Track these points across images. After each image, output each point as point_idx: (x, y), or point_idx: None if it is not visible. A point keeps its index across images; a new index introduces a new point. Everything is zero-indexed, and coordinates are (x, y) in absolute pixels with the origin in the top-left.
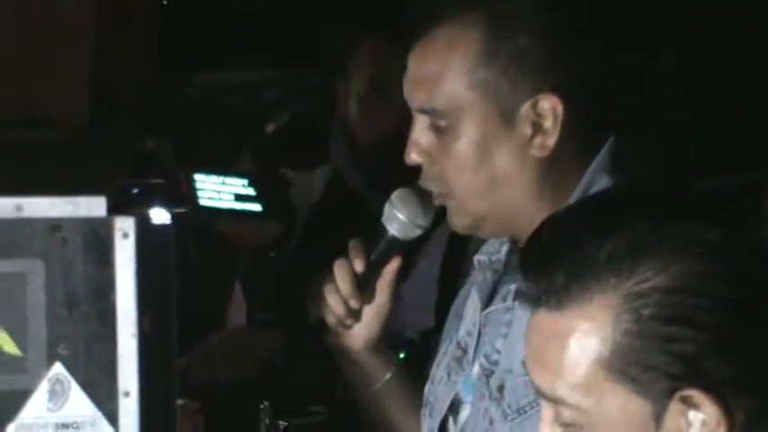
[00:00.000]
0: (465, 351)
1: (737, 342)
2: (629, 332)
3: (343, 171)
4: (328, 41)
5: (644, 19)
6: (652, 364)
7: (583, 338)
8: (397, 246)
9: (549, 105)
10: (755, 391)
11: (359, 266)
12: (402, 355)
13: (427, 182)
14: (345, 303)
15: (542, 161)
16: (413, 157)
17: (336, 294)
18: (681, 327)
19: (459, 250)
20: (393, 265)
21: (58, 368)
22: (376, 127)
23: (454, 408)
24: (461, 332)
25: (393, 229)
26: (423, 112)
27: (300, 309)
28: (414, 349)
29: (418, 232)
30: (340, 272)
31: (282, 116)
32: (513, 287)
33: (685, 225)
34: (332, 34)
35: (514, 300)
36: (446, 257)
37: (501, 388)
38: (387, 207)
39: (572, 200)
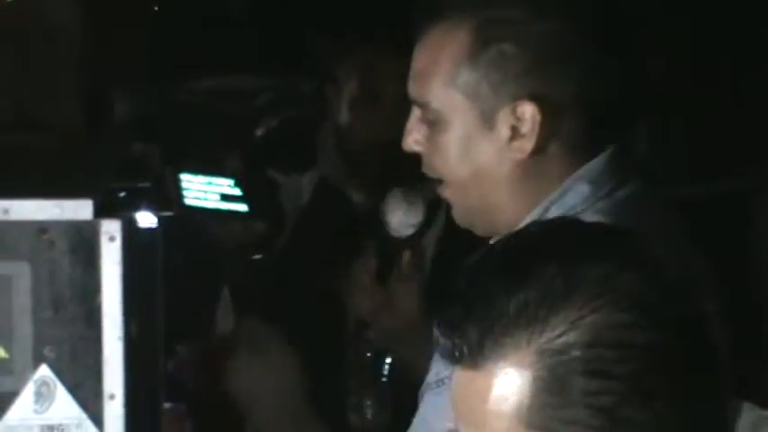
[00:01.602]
0: None
1: (657, 387)
2: (546, 388)
3: (331, 176)
4: (320, 48)
5: (635, 28)
6: (572, 418)
7: (500, 396)
8: (397, 243)
9: (528, 112)
10: None
11: (371, 264)
12: (388, 360)
13: (427, 169)
14: (370, 296)
15: (521, 163)
16: (408, 144)
17: (361, 291)
18: (598, 380)
19: (451, 253)
20: (405, 257)
21: (44, 370)
22: (367, 133)
23: None
24: None
25: (390, 230)
26: (417, 104)
27: (289, 311)
28: (399, 355)
29: (411, 230)
30: (358, 271)
31: (273, 121)
32: None
33: (594, 271)
34: (324, 41)
35: None
36: (435, 260)
37: None
38: (382, 210)
39: (546, 202)
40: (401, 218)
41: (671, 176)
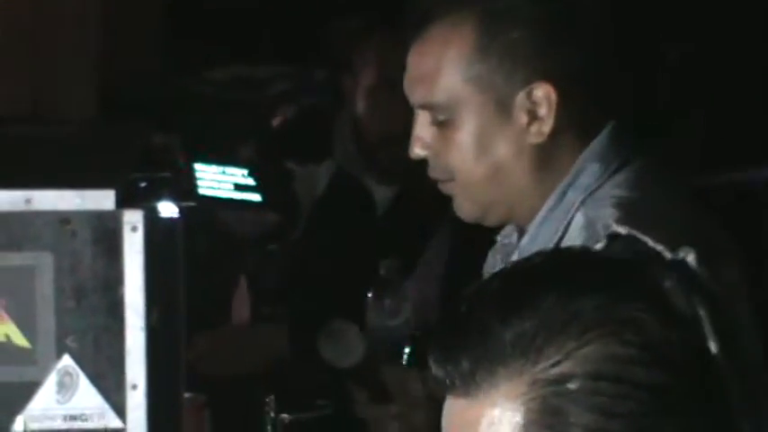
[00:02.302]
0: None
1: (656, 428)
2: (538, 421)
3: (348, 166)
4: (336, 36)
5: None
6: None
7: (492, 426)
8: None
9: (543, 93)
10: None
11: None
12: (407, 350)
13: (434, 172)
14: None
15: (540, 148)
16: (417, 151)
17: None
18: (593, 415)
19: (466, 245)
20: None
21: (66, 360)
22: (384, 122)
23: None
24: None
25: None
26: (423, 107)
27: (305, 301)
28: (418, 345)
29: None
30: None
31: (288, 110)
32: None
33: (597, 301)
34: (339, 29)
35: None
36: (452, 253)
37: None
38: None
39: (562, 187)
40: (333, 354)
41: (684, 165)
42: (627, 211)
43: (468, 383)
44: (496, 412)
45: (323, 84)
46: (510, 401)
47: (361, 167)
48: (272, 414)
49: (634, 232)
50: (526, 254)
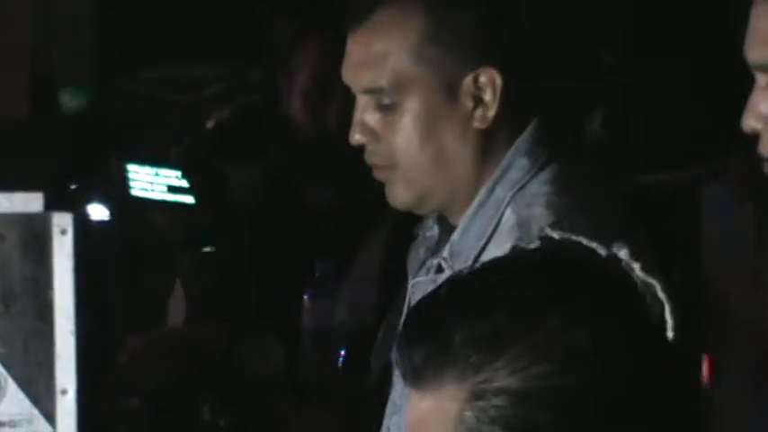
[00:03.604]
0: None
1: None
2: (472, 429)
3: (283, 167)
4: (271, 37)
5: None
6: None
7: (437, 423)
8: None
9: (488, 78)
10: None
11: None
12: (342, 352)
13: (374, 157)
14: None
15: (482, 134)
16: (357, 137)
17: None
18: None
19: (401, 246)
20: None
21: None
22: (319, 122)
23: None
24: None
25: None
26: (369, 92)
27: (244, 305)
28: (353, 347)
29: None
30: None
31: (222, 111)
32: (436, 261)
33: (552, 320)
34: (275, 30)
35: (437, 272)
36: (387, 254)
37: None
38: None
39: (491, 182)
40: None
41: (624, 164)
42: (559, 213)
43: (419, 377)
44: (444, 409)
45: (258, 84)
46: (454, 403)
47: (296, 168)
48: (208, 417)
49: (567, 235)
50: (458, 249)
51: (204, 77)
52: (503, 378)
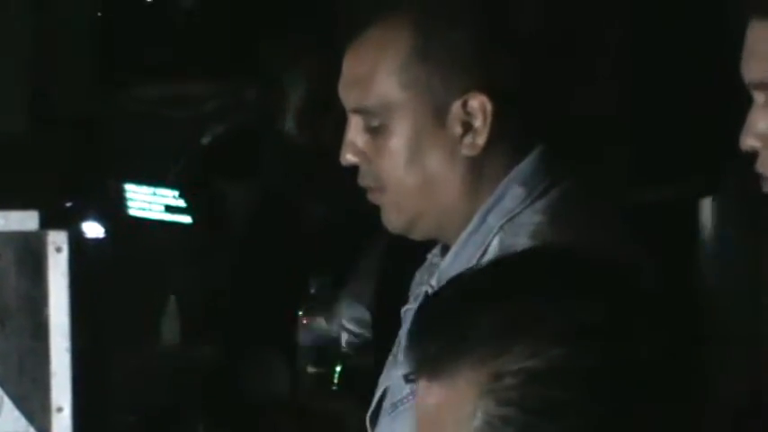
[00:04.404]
0: (398, 347)
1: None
2: (491, 413)
3: (277, 184)
4: (267, 55)
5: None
6: None
7: (452, 411)
8: None
9: (479, 104)
10: None
11: None
12: (338, 368)
13: (364, 179)
14: None
15: (473, 161)
16: (348, 157)
17: None
18: (539, 418)
19: (397, 262)
20: None
21: None
22: (313, 140)
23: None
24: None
25: None
26: (356, 112)
27: (240, 321)
28: (348, 364)
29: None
30: None
31: (219, 129)
32: (424, 288)
33: (567, 306)
34: (271, 48)
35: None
36: (383, 270)
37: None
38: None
39: (484, 209)
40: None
41: (615, 181)
42: (541, 243)
43: (433, 366)
44: (459, 397)
45: (255, 102)
46: (471, 388)
47: (291, 186)
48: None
49: None
50: (445, 276)
51: (201, 95)
52: (522, 361)
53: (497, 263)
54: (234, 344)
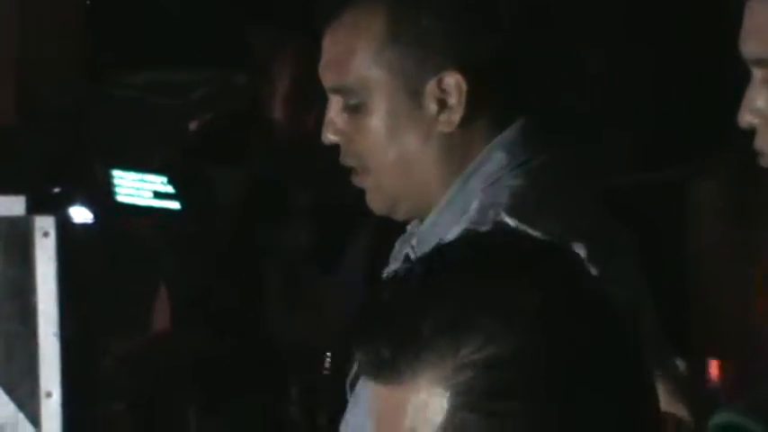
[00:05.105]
0: None
1: (562, 414)
2: (460, 406)
3: (266, 170)
4: (254, 42)
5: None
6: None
7: (419, 411)
8: None
9: (453, 82)
10: None
11: None
12: (328, 358)
13: (346, 158)
14: None
15: (450, 138)
16: (329, 136)
17: None
18: (505, 401)
19: (386, 247)
20: None
21: None
22: (300, 126)
23: None
24: None
25: None
26: (335, 91)
27: (230, 308)
28: (335, 355)
29: None
30: None
31: (207, 115)
32: (405, 251)
33: (508, 292)
34: (257, 35)
35: (404, 262)
36: (372, 255)
37: None
38: None
39: (466, 173)
40: None
41: (607, 165)
42: (520, 204)
43: (391, 371)
44: (422, 397)
45: (242, 89)
46: (435, 386)
47: (279, 172)
48: (194, 420)
49: (524, 226)
50: (425, 239)
51: (189, 82)
52: (480, 350)
53: (442, 250)
54: (226, 332)
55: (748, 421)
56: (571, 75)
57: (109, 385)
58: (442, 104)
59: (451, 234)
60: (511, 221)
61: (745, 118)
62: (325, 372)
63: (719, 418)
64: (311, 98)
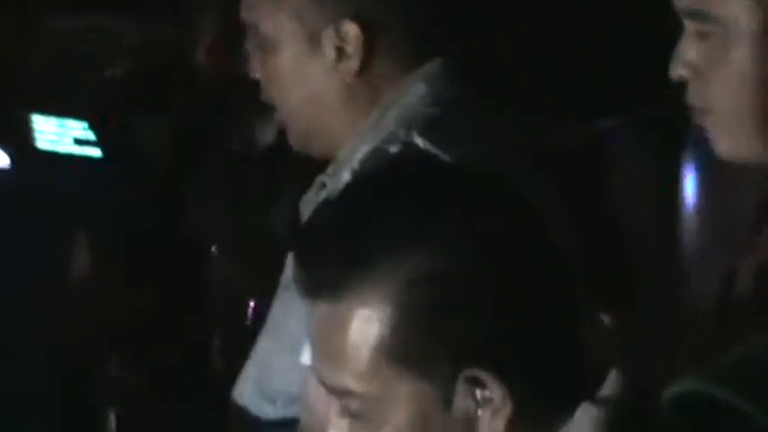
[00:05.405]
0: None
1: (513, 324)
2: (407, 320)
3: (190, 117)
4: None
5: None
6: (432, 350)
7: (362, 327)
8: None
9: (350, 31)
10: (534, 369)
11: None
12: (252, 305)
13: (264, 96)
14: None
15: (351, 84)
16: (252, 70)
17: None
18: (455, 314)
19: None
20: None
21: None
22: (224, 74)
23: None
24: None
25: None
26: (249, 28)
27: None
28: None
29: None
30: None
31: (131, 62)
32: (320, 179)
33: (457, 209)
34: None
35: (320, 189)
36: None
37: None
38: None
39: (386, 102)
40: None
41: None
42: (433, 128)
43: (337, 288)
44: (366, 312)
45: (168, 36)
46: (379, 302)
47: (203, 118)
48: (115, 372)
49: (434, 148)
50: (341, 166)
51: (116, 30)
52: (425, 267)
53: (380, 174)
54: (147, 284)
55: (720, 390)
56: (501, 28)
57: (26, 339)
58: (341, 52)
59: (360, 153)
60: (420, 142)
61: (677, 71)
62: (248, 322)
63: (679, 386)
64: (236, 46)
